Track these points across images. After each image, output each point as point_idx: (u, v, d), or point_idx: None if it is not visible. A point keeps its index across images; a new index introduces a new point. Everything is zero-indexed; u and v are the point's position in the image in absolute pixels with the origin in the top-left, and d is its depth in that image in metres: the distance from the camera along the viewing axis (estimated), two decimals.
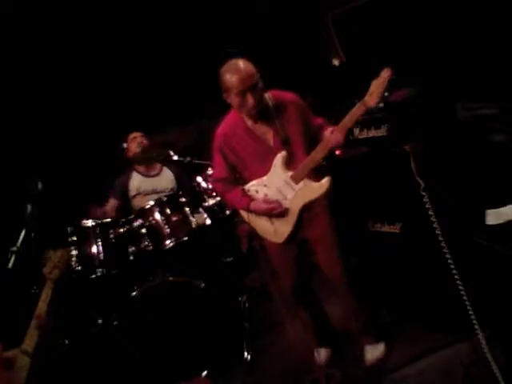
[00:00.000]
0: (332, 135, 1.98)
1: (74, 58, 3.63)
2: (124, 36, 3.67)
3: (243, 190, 2.19)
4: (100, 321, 2.60)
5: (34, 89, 3.54)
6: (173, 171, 3.25)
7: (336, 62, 4.19)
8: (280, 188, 2.11)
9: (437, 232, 1.86)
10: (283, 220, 2.14)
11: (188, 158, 3.21)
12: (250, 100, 1.96)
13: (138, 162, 3.18)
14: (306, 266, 2.33)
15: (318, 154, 2.02)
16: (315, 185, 2.07)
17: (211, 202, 2.82)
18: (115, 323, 2.49)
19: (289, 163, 2.10)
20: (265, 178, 2.14)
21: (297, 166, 2.09)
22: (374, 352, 2.28)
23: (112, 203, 3.07)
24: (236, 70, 1.96)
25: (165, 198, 2.74)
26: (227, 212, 2.83)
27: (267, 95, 2.09)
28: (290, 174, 2.09)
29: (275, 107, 2.09)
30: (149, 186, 3.13)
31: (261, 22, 3.88)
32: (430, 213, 1.87)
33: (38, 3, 3.25)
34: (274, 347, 2.71)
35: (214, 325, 2.56)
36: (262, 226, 2.21)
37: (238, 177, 2.22)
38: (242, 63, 1.98)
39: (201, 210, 2.83)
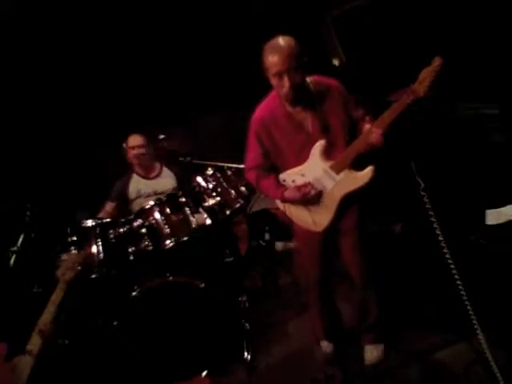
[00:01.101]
0: (371, 132, 1.91)
1: (76, 59, 3.64)
2: (120, 37, 3.67)
3: (277, 178, 2.14)
4: (100, 321, 2.60)
5: (36, 88, 3.54)
6: (173, 171, 3.24)
7: (336, 62, 4.19)
8: (319, 178, 2.05)
9: (437, 232, 1.86)
10: (322, 210, 2.09)
11: (188, 158, 3.21)
12: (286, 83, 1.89)
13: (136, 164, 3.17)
14: (331, 256, 2.31)
15: (357, 148, 1.97)
16: (358, 175, 2.01)
17: (211, 202, 2.82)
18: (115, 323, 2.49)
19: (328, 152, 2.03)
20: (302, 166, 2.08)
21: (336, 155, 2.03)
22: (373, 352, 2.28)
23: (108, 207, 3.05)
24: (276, 49, 1.89)
25: (165, 198, 2.73)
26: (227, 212, 2.83)
27: (309, 80, 2.03)
28: (330, 163, 2.03)
29: (317, 93, 2.02)
30: (149, 188, 3.11)
31: (261, 22, 3.88)
32: (430, 213, 1.87)
33: (39, 4, 3.26)
34: (274, 347, 2.71)
35: (214, 325, 2.56)
36: (300, 215, 2.16)
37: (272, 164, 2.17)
38: (284, 42, 1.90)
39: (201, 210, 2.83)
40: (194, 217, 2.73)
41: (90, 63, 3.70)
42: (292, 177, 2.10)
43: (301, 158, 2.07)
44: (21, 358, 1.91)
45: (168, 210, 2.68)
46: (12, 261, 2.46)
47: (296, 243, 2.38)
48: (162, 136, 3.15)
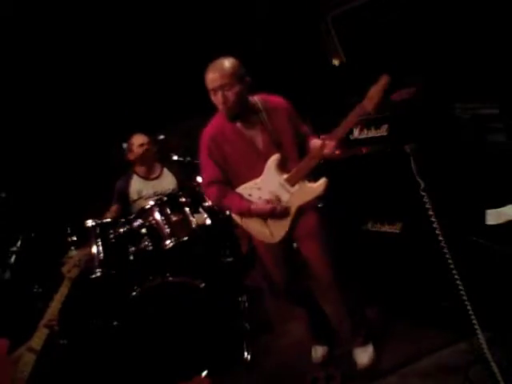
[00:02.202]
0: (325, 145, 1.99)
1: (75, 61, 3.64)
2: (118, 38, 3.67)
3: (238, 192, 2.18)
4: (100, 321, 2.60)
5: (35, 89, 3.54)
6: (173, 172, 3.24)
7: (336, 62, 4.19)
8: (274, 191, 2.11)
9: (437, 232, 1.86)
10: (279, 222, 2.14)
11: (188, 158, 3.21)
12: (220, 99, 1.98)
13: (140, 163, 3.16)
14: (297, 263, 2.34)
15: (312, 160, 2.04)
16: (312, 186, 2.09)
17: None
18: (115, 323, 2.49)
19: (282, 166, 2.11)
20: (258, 180, 2.13)
21: (289, 168, 2.10)
22: (363, 355, 2.26)
23: (114, 209, 3.07)
24: (211, 69, 2.00)
25: (165, 198, 2.74)
26: (227, 212, 2.83)
27: (256, 98, 2.11)
28: (285, 176, 2.10)
29: (265, 110, 2.10)
30: (150, 189, 3.11)
31: (260, 22, 3.88)
32: (430, 213, 1.87)
33: (38, 3, 3.26)
34: (274, 347, 2.71)
35: (214, 325, 2.56)
36: (257, 227, 2.20)
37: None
38: (220, 62, 2.00)
39: (201, 210, 2.83)
40: (193, 217, 2.73)
41: (88, 64, 3.70)
42: (248, 191, 2.15)
43: (253, 172, 2.13)
44: (23, 354, 1.92)
45: (168, 210, 2.69)
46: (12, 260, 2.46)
47: (259, 254, 2.41)
48: (161, 136, 3.15)
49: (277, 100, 2.17)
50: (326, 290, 2.27)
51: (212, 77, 1.98)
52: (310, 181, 2.10)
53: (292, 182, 2.09)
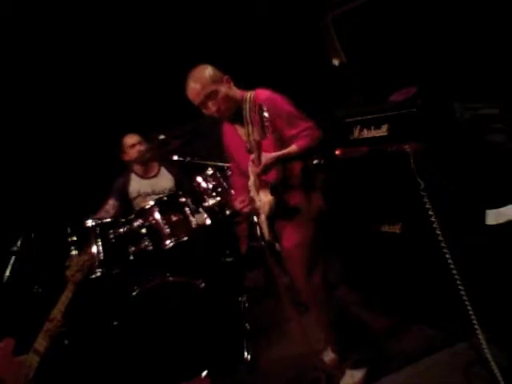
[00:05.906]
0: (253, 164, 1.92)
1: (74, 60, 3.64)
2: (119, 37, 3.67)
3: (243, 183, 2.19)
4: (100, 321, 2.60)
5: (36, 90, 3.55)
6: (171, 171, 3.24)
7: (336, 62, 4.19)
8: (253, 194, 2.09)
9: (437, 232, 1.86)
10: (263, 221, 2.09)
11: (188, 158, 3.21)
12: (212, 109, 1.97)
13: (136, 163, 3.16)
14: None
15: (258, 176, 1.94)
16: (264, 200, 1.95)
17: (211, 202, 2.82)
18: (115, 323, 2.49)
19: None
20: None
21: None
22: (347, 378, 2.18)
23: (111, 203, 3.07)
24: (190, 85, 1.97)
25: (165, 198, 2.74)
26: (227, 212, 2.83)
27: (247, 93, 2.02)
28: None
29: (249, 106, 1.97)
30: (147, 187, 3.12)
31: (260, 23, 3.88)
32: (430, 213, 1.87)
33: (37, 4, 3.26)
34: (274, 347, 2.71)
35: (214, 325, 2.56)
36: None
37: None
38: (189, 81, 1.97)
39: (201, 209, 2.83)
40: (194, 217, 2.73)
41: (91, 62, 3.71)
42: (250, 187, 2.14)
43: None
44: (28, 356, 1.94)
45: (168, 210, 2.69)
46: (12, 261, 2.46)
47: None
48: (161, 136, 3.15)
49: (262, 95, 1.98)
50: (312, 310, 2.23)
51: (194, 91, 1.95)
52: (273, 193, 1.94)
53: (256, 188, 2.00)
